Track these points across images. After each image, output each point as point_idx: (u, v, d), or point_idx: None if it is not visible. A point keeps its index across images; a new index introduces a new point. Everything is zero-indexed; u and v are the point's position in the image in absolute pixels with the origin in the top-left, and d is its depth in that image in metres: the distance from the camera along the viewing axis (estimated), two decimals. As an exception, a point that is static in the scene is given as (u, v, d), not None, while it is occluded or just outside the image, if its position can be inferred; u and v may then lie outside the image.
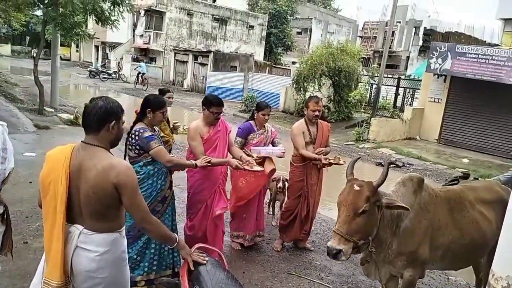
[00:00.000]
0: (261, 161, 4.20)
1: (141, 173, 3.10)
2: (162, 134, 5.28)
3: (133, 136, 3.07)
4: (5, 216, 2.64)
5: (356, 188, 2.65)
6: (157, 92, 4.54)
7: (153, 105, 3.13)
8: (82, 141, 2.07)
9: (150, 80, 28.34)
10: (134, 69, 26.77)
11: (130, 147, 3.09)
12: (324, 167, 4.50)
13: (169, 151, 4.84)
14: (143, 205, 2.09)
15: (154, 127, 3.29)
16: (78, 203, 2.00)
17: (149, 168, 3.12)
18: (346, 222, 2.58)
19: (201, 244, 2.45)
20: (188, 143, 3.70)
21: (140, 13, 29.70)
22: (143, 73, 25.29)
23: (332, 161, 4.24)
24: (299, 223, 4.57)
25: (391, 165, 10.63)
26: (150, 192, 3.15)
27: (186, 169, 3.62)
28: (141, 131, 3.05)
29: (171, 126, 5.40)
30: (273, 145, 4.50)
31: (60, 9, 9.87)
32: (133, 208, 2.05)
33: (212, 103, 3.58)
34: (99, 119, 2.04)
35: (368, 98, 16.90)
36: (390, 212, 2.82)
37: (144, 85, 24.57)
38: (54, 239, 1.98)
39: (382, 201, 2.66)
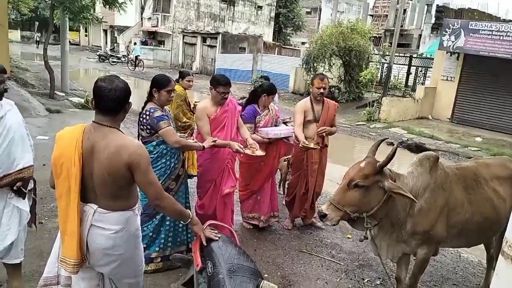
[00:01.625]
0: (270, 144, 4.22)
1: (154, 152, 3.12)
2: (184, 119, 5.30)
3: (144, 116, 3.09)
4: (32, 192, 2.83)
5: (361, 164, 2.71)
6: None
7: (157, 85, 3.13)
8: (93, 121, 2.05)
9: (159, 64, 28.36)
10: (129, 52, 27.32)
11: (142, 127, 3.12)
12: (327, 145, 4.48)
13: (191, 135, 4.85)
14: (156, 183, 2.12)
15: (166, 107, 3.31)
16: (92, 183, 2.03)
17: (162, 147, 3.15)
18: (339, 193, 2.70)
19: (213, 221, 2.49)
20: (195, 123, 3.71)
21: (147, -4, 29.50)
22: (137, 56, 25.73)
23: (307, 144, 4.07)
24: (298, 201, 4.60)
25: (402, 145, 10.55)
26: (164, 171, 3.19)
27: None
28: (152, 110, 3.06)
29: (192, 107, 5.37)
30: (276, 125, 4.48)
31: (68, -8, 9.85)
32: (147, 186, 2.07)
33: (219, 83, 3.56)
34: (120, 101, 2.02)
35: (379, 77, 16.69)
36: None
37: (140, 67, 25.03)
38: (69, 219, 2.01)
39: (385, 183, 2.63)
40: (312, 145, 4.14)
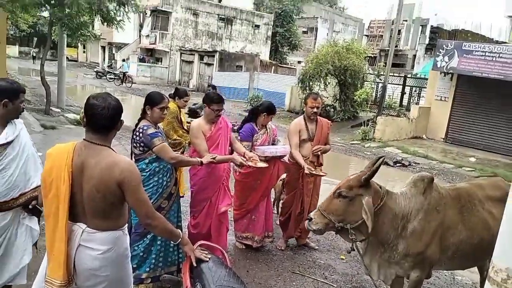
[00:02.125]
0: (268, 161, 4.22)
1: (146, 170, 3.11)
2: (175, 137, 5.29)
3: (137, 134, 3.08)
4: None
5: (349, 177, 2.87)
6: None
7: (150, 102, 3.13)
8: (84, 139, 2.04)
9: (156, 81, 28.53)
10: (118, 68, 27.79)
11: (135, 144, 3.11)
12: (322, 164, 4.49)
13: (182, 153, 4.85)
14: (147, 201, 2.10)
15: (159, 125, 3.31)
16: (81, 201, 2.00)
17: (155, 165, 3.13)
18: (326, 201, 2.88)
19: (203, 242, 2.45)
20: (191, 141, 3.71)
21: (146, 14, 29.80)
22: (125, 72, 26.12)
23: (314, 172, 4.16)
24: (293, 221, 4.56)
25: (397, 164, 10.59)
26: (156, 189, 3.16)
27: (189, 167, 3.63)
28: (145, 128, 3.06)
29: (186, 126, 5.32)
30: (274, 143, 4.48)
31: (66, 9, 9.94)
32: (138, 205, 2.05)
33: (213, 100, 3.58)
34: (112, 119, 2.01)
35: (374, 97, 16.84)
36: (394, 213, 2.83)
37: (128, 83, 25.28)
38: (56, 238, 1.98)
39: (365, 198, 2.71)
40: (320, 173, 4.23)
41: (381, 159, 2.84)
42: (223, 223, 3.80)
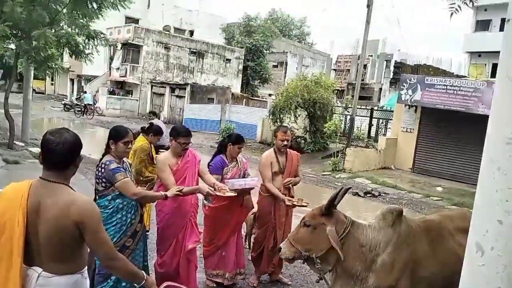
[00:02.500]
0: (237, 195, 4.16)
1: (109, 207, 2.99)
2: (147, 174, 5.18)
3: (99, 169, 2.99)
4: None
5: (316, 207, 2.97)
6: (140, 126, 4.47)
7: (114, 136, 3.06)
8: (40, 177, 1.94)
9: (126, 113, 28.21)
10: (80, 99, 27.74)
11: (98, 180, 3.00)
12: (293, 197, 4.47)
13: (151, 188, 4.72)
14: (107, 242, 1.99)
15: (125, 159, 3.21)
16: (37, 244, 1.88)
17: (118, 201, 3.01)
18: (294, 230, 3.00)
19: (170, 283, 2.34)
20: (157, 175, 3.63)
21: (117, 47, 29.80)
22: (88, 104, 25.96)
23: (295, 203, 4.18)
24: (266, 256, 4.47)
25: (367, 195, 10.72)
26: (120, 227, 3.03)
27: (156, 202, 3.53)
28: (107, 163, 2.97)
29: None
30: (244, 177, 4.44)
31: (33, 42, 9.79)
32: (97, 245, 1.94)
33: (180, 134, 3.54)
34: (69, 155, 1.92)
35: (343, 128, 17.22)
36: (360, 244, 2.82)
37: (89, 115, 25.10)
38: (10, 284, 1.83)
39: (327, 227, 2.77)
40: (303, 203, 4.19)
41: (342, 190, 2.92)
42: (191, 261, 3.66)
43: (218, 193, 3.52)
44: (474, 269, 1.60)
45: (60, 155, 1.90)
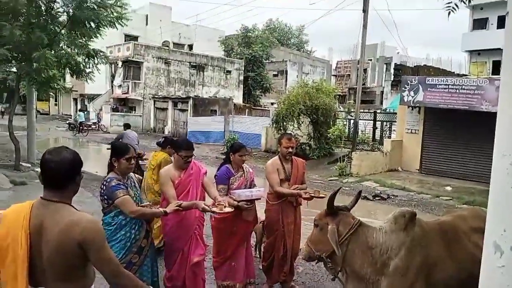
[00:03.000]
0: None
1: (112, 224, 2.96)
2: (157, 189, 5.15)
3: (102, 186, 2.97)
4: None
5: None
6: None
7: (116, 153, 3.06)
8: (41, 198, 1.90)
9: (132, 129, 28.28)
10: (74, 119, 28.73)
11: (101, 197, 3.00)
12: (301, 204, 4.41)
13: None
14: (113, 260, 1.95)
15: (132, 175, 3.19)
16: (41, 264, 1.84)
17: (121, 218, 2.98)
18: (311, 232, 3.10)
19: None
20: (160, 188, 3.60)
21: (117, 64, 30.06)
22: (82, 121, 26.98)
23: (312, 194, 4.14)
24: (277, 264, 4.40)
25: (376, 198, 10.61)
26: (124, 243, 2.99)
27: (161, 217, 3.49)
28: (109, 180, 2.96)
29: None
30: (251, 186, 4.39)
31: (34, 64, 9.87)
32: (102, 264, 1.90)
33: (181, 147, 3.51)
34: (68, 174, 1.89)
35: (347, 133, 17.15)
36: (368, 246, 2.80)
37: (84, 133, 25.90)
38: None
39: (328, 226, 2.84)
40: (321, 195, 4.15)
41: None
42: (198, 275, 3.60)
43: (215, 209, 3.43)
44: (493, 271, 1.52)
45: (59, 174, 1.87)
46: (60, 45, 10.94)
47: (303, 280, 4.89)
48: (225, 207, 3.44)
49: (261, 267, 5.13)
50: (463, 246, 2.98)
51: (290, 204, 4.33)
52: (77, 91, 34.56)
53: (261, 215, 4.63)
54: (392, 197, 10.87)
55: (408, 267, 2.76)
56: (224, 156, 4.62)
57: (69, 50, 11.01)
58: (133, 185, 3.14)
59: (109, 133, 26.71)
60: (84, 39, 11.01)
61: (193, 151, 3.59)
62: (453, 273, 2.87)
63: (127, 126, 11.63)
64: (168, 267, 3.60)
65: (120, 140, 11.27)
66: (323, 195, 4.15)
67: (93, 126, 27.92)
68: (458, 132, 13.29)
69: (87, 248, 1.83)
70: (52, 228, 1.82)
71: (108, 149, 5.41)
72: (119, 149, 3.07)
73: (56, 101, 41.67)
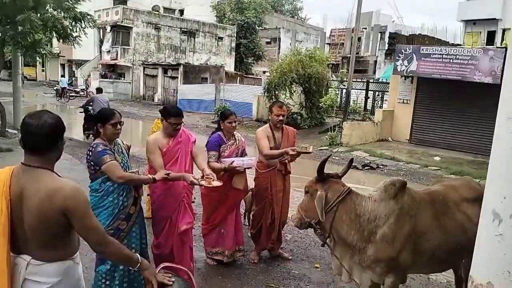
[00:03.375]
0: (231, 174, 4.08)
1: (100, 190, 2.92)
2: None
3: (88, 153, 2.91)
4: None
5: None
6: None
7: (101, 119, 2.98)
8: (22, 163, 1.83)
9: (120, 96, 27.90)
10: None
11: (88, 163, 2.93)
12: (290, 172, 4.41)
13: None
14: (97, 228, 1.91)
15: (119, 141, 3.12)
16: (23, 232, 1.79)
17: (108, 184, 2.93)
18: (303, 199, 3.14)
19: (166, 264, 2.27)
20: (147, 157, 3.53)
21: (106, 29, 29.22)
22: (63, 88, 26.71)
23: (299, 150, 4.11)
24: (265, 232, 4.44)
25: (366, 167, 10.69)
26: (112, 210, 2.95)
27: (148, 185, 3.44)
28: (95, 146, 2.89)
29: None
30: (242, 155, 4.35)
31: (19, 27, 9.50)
32: (86, 232, 1.86)
33: (170, 114, 3.42)
34: (50, 138, 1.82)
35: (339, 102, 17.08)
36: (356, 213, 2.83)
37: (65, 99, 25.73)
38: None
39: (317, 192, 2.88)
40: (308, 150, 4.10)
41: (328, 157, 3.18)
42: (185, 243, 3.60)
43: (203, 183, 3.38)
44: (491, 239, 1.50)
45: (40, 138, 1.79)
46: (46, 7, 10.52)
47: (291, 248, 4.96)
48: (213, 180, 3.39)
49: (249, 235, 5.19)
50: (453, 215, 3.01)
51: (279, 172, 4.32)
52: (64, 56, 33.75)
53: (251, 184, 4.62)
54: (381, 166, 10.97)
55: (395, 235, 2.78)
56: (214, 125, 4.55)
57: (55, 13, 10.60)
58: (120, 151, 3.08)
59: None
60: (71, 1, 10.59)
61: (182, 118, 3.51)
62: (441, 242, 2.91)
63: (99, 90, 12.09)
64: (156, 234, 3.59)
65: (91, 103, 11.19)
66: (310, 150, 4.14)
67: (81, 93, 27.34)
68: (450, 103, 13.31)
69: (71, 216, 1.79)
70: (33, 195, 1.76)
71: (80, 112, 5.29)
72: (104, 115, 2.99)
73: (43, 67, 40.73)
